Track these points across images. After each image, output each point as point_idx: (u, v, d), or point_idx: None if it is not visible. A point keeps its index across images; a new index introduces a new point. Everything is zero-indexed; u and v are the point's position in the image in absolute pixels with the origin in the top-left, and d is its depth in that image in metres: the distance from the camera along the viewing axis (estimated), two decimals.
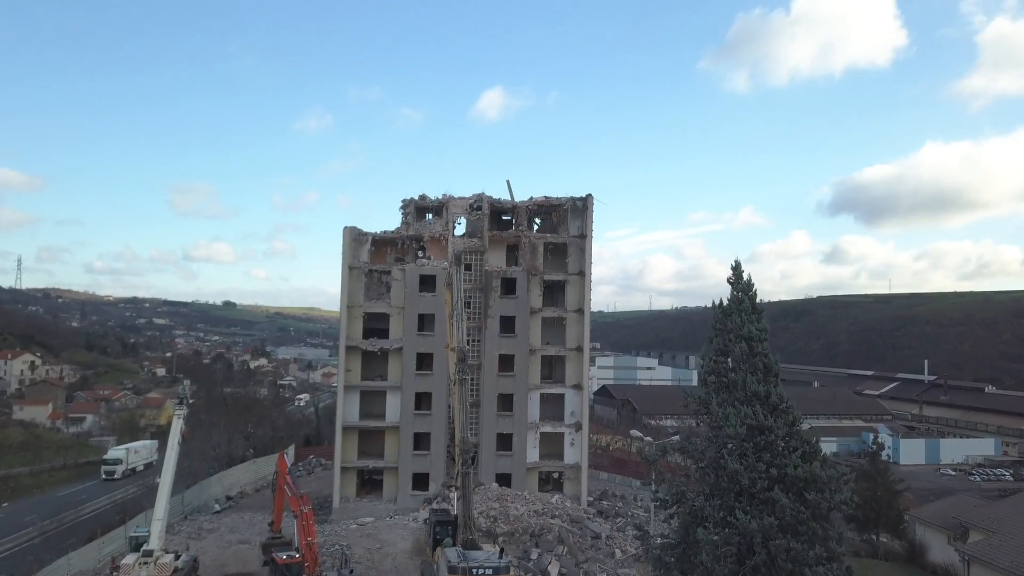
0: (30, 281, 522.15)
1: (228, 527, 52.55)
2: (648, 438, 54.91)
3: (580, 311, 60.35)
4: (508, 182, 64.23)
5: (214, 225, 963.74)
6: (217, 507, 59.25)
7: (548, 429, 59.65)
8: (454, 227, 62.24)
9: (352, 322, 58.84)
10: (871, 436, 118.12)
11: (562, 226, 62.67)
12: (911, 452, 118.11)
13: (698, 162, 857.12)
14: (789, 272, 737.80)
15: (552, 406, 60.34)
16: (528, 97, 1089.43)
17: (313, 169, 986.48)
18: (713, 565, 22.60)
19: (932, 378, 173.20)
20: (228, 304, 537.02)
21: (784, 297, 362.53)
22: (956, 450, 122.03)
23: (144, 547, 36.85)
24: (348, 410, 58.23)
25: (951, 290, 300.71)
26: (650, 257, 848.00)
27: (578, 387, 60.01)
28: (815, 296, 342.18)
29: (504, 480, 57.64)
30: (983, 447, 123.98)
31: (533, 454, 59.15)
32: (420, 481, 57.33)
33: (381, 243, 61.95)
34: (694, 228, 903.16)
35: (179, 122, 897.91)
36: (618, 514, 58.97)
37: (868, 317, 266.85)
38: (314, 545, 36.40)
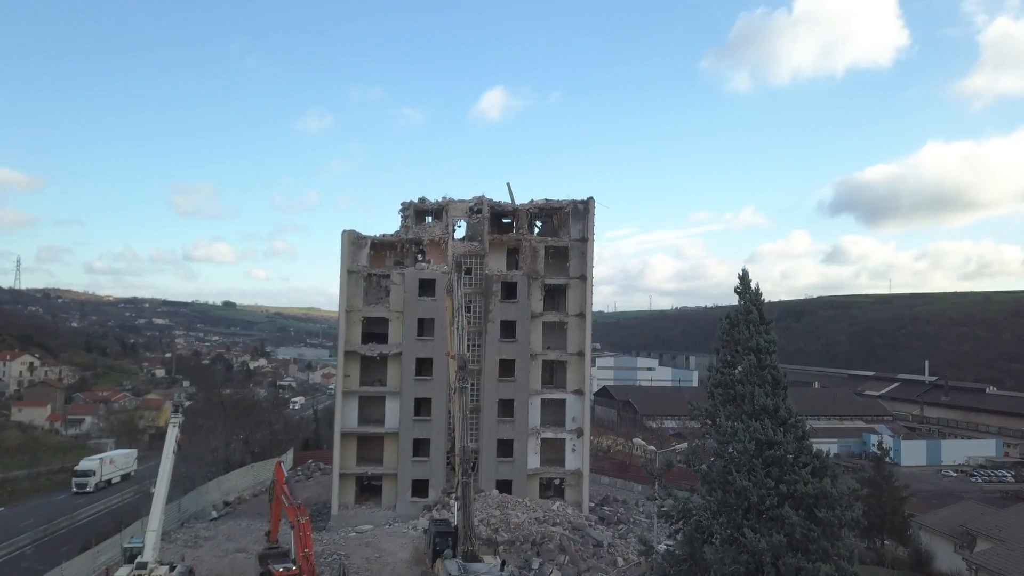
0: (30, 281, 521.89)
1: (225, 535, 51.92)
2: (652, 447, 54.24)
3: (582, 315, 59.73)
4: (508, 185, 63.57)
5: (214, 225, 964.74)
6: (215, 514, 58.58)
7: (549, 435, 59.03)
8: (454, 230, 61.55)
9: (351, 327, 58.20)
10: (872, 438, 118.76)
11: (563, 229, 62.02)
12: (912, 453, 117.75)
13: (699, 162, 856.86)
14: (789, 272, 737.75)
15: (553, 411, 59.72)
16: (529, 97, 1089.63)
17: (314, 169, 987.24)
18: None
19: (933, 379, 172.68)
20: (228, 304, 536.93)
21: (784, 297, 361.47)
22: (957, 451, 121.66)
23: (138, 559, 36.24)
24: (347, 416, 57.60)
25: (952, 290, 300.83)
26: (651, 257, 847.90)
27: (579, 392, 59.39)
28: (815, 296, 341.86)
29: (505, 487, 57.01)
30: (984, 448, 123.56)
31: (534, 460, 58.53)
32: (420, 488, 56.69)
33: (380, 247, 61.28)
34: (695, 228, 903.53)
35: (180, 122, 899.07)
36: (620, 520, 58.35)
37: (868, 317, 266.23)
38: (311, 557, 35.75)
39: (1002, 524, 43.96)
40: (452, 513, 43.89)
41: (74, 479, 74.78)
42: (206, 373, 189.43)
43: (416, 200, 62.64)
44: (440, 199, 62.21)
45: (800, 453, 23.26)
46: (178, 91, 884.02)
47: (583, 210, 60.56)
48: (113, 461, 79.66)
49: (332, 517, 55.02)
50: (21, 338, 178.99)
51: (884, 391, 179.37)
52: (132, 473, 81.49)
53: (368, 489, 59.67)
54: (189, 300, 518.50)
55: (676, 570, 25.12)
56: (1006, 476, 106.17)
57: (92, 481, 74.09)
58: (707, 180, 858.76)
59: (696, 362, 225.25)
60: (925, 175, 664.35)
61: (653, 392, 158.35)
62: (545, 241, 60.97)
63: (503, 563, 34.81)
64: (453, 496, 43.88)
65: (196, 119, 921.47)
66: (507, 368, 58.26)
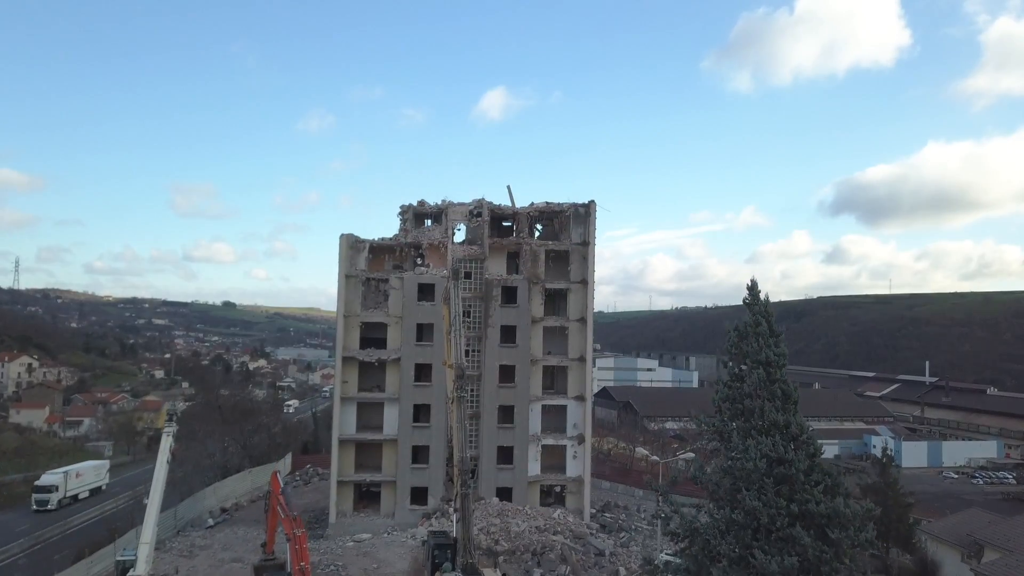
0: (30, 281, 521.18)
1: (221, 543, 51.20)
2: (655, 457, 53.47)
3: (583, 320, 58.99)
4: (509, 187, 62.75)
5: (214, 225, 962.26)
6: (211, 521, 57.80)
7: (550, 441, 58.30)
8: (453, 234, 60.75)
9: (349, 332, 57.45)
10: (874, 440, 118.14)
11: (564, 233, 61.26)
12: (913, 454, 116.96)
13: (700, 162, 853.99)
14: (790, 272, 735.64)
15: (554, 418, 58.99)
16: (530, 97, 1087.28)
17: (315, 169, 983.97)
18: None
19: (933, 379, 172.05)
20: (228, 304, 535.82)
21: (785, 297, 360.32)
22: (958, 452, 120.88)
23: (131, 573, 35.48)
24: (345, 422, 56.85)
25: (952, 290, 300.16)
26: (651, 257, 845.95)
27: (580, 398, 58.67)
28: (816, 296, 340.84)
29: (505, 494, 56.27)
30: (985, 449, 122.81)
31: (534, 467, 57.77)
32: (419, 495, 55.94)
33: (379, 250, 60.51)
34: (695, 228, 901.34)
35: (181, 123, 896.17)
36: (622, 528, 57.66)
37: (869, 318, 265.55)
38: (307, 570, 34.95)
39: (1011, 534, 43.15)
40: (451, 523, 43.12)
41: (34, 495, 68.63)
42: (205, 374, 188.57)
43: (415, 203, 61.85)
44: (440, 202, 61.42)
45: (811, 471, 22.55)
46: (179, 91, 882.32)
47: (584, 213, 59.80)
48: (80, 475, 73.49)
49: (330, 525, 54.28)
50: (20, 339, 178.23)
51: (884, 392, 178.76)
52: (104, 487, 76.37)
53: (367, 496, 58.90)
54: (189, 300, 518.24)
55: None
56: (1007, 478, 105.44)
57: (55, 498, 68.43)
58: (708, 180, 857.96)
59: (696, 363, 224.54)
60: (926, 175, 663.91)
61: (653, 393, 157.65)
62: (546, 245, 60.20)
63: None
64: (452, 506, 43.15)
65: (197, 119, 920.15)
66: (507, 374, 57.51)
